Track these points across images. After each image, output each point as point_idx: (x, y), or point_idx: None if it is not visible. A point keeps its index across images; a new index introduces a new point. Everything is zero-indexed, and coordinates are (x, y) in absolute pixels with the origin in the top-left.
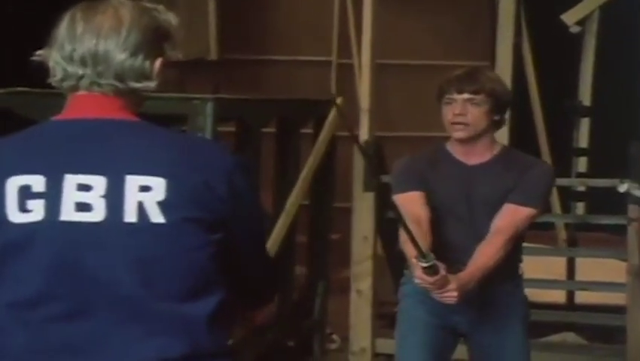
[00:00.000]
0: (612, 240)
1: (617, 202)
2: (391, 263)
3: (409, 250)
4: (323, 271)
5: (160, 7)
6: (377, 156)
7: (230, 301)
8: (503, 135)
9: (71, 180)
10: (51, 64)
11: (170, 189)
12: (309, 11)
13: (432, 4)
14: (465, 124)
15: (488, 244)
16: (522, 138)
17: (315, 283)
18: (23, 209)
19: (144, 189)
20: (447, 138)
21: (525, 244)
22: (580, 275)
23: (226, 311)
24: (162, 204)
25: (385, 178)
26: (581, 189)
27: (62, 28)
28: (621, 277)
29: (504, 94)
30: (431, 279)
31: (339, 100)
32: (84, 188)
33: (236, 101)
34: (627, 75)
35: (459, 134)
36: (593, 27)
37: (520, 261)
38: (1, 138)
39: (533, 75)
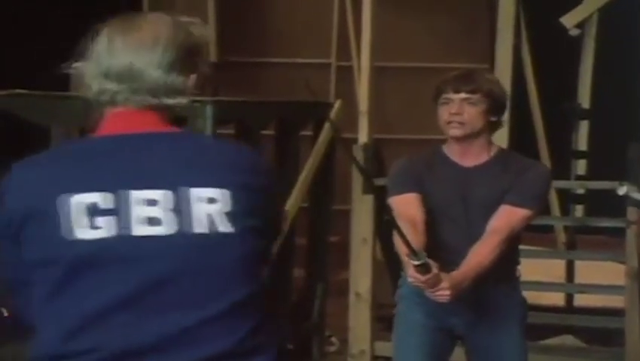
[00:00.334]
0: (611, 242)
1: (616, 205)
2: (389, 266)
3: (402, 249)
4: (322, 273)
5: (196, 21)
6: (376, 159)
7: (272, 315)
8: (502, 138)
9: (137, 196)
10: (87, 78)
11: (234, 199)
12: (309, 13)
13: (431, 7)
14: (461, 123)
15: (482, 244)
16: (522, 141)
17: (314, 286)
18: (92, 226)
19: (211, 200)
20: (445, 141)
21: (524, 247)
22: (579, 278)
23: (267, 325)
24: (229, 215)
25: (384, 181)
26: (580, 191)
27: (99, 43)
28: (620, 280)
29: (501, 95)
30: (422, 277)
31: (337, 103)
32: (151, 203)
33: (235, 103)
34: (626, 77)
35: (455, 132)
36: (592, 30)
37: (517, 263)
38: (41, 157)
39: (532, 77)
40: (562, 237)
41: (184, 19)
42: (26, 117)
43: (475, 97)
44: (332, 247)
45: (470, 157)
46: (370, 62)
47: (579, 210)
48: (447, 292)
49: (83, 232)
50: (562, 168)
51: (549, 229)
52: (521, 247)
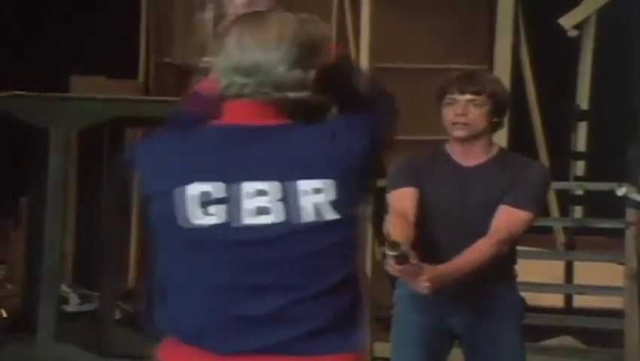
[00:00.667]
0: (610, 243)
1: (615, 206)
2: None
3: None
4: None
5: (317, 19)
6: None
7: (361, 296)
8: (501, 138)
9: (248, 187)
10: (217, 72)
11: (338, 187)
12: (306, 12)
13: (430, 7)
14: (465, 124)
15: (478, 244)
16: (520, 141)
17: None
18: (206, 213)
19: (316, 191)
20: (446, 141)
21: (523, 248)
22: (578, 279)
23: (359, 303)
24: (333, 203)
25: (383, 182)
26: (579, 192)
27: (230, 40)
28: (619, 281)
29: (504, 96)
30: (398, 267)
31: None
32: (261, 193)
33: None
34: (625, 79)
35: (459, 133)
36: (591, 31)
37: (514, 262)
38: (164, 141)
39: (531, 78)
40: (561, 238)
41: (306, 17)
42: (25, 119)
43: (480, 98)
44: None
45: (472, 157)
46: (369, 63)
47: (578, 211)
48: (426, 284)
49: (198, 217)
50: (560, 169)
51: (548, 230)
52: (520, 248)
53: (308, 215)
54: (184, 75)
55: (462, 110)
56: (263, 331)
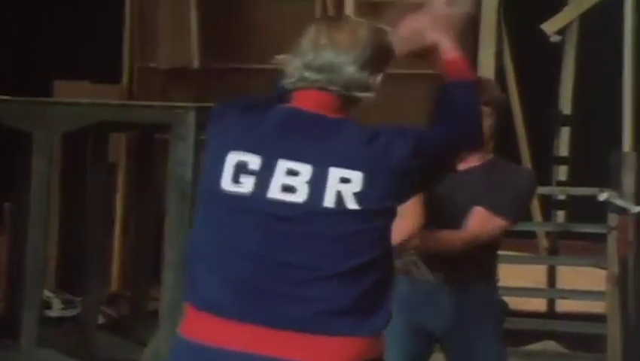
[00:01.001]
0: (593, 248)
1: (597, 211)
2: None
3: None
4: None
5: (385, 28)
6: None
7: (383, 282)
8: None
9: (282, 165)
10: (290, 68)
11: (366, 182)
12: (291, 19)
13: (412, 13)
14: None
15: (452, 233)
16: (504, 146)
17: None
18: (236, 181)
19: (344, 180)
20: None
21: (505, 252)
22: (561, 283)
23: (379, 290)
24: (357, 195)
25: None
26: (562, 197)
27: (306, 40)
28: (601, 286)
29: (505, 104)
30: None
31: None
32: (292, 173)
33: None
34: (607, 84)
35: None
36: (573, 36)
37: (495, 266)
38: (240, 105)
39: (514, 84)
40: (543, 242)
41: (377, 25)
42: (9, 123)
43: (488, 109)
44: None
45: (466, 163)
46: None
47: (560, 215)
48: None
49: (228, 184)
50: (543, 173)
51: (531, 235)
52: (503, 252)
53: (329, 201)
54: (168, 79)
55: None
56: (277, 305)
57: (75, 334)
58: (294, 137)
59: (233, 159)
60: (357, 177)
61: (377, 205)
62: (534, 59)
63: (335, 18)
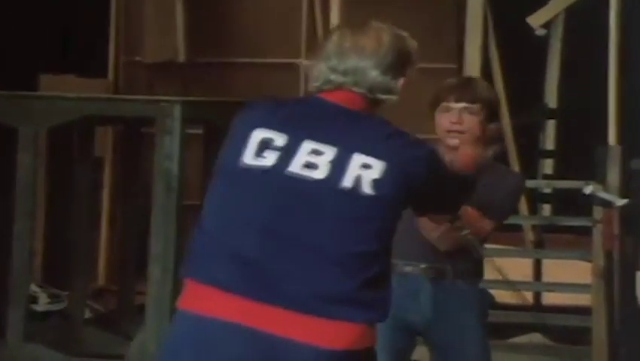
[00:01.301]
0: (578, 241)
1: (582, 204)
2: None
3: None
4: None
5: (406, 34)
6: None
7: (384, 275)
8: None
9: (308, 145)
10: (315, 72)
11: (385, 170)
12: (277, 13)
13: (398, 7)
14: (460, 132)
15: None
16: None
17: None
18: (259, 155)
19: (365, 166)
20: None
21: (492, 246)
22: (547, 276)
23: (380, 282)
24: (375, 182)
25: None
26: (548, 190)
27: (331, 44)
28: (587, 278)
29: (496, 103)
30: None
31: None
32: (317, 153)
33: (204, 103)
34: (593, 77)
35: (454, 141)
36: (559, 29)
37: (480, 259)
38: (272, 102)
39: (500, 77)
40: (529, 236)
41: (399, 31)
42: None
43: (475, 107)
44: None
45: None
46: None
47: (546, 209)
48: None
49: (249, 158)
50: (529, 167)
51: (517, 228)
52: (489, 245)
53: (348, 181)
54: (154, 74)
55: (457, 119)
56: (279, 282)
57: (62, 328)
58: (320, 122)
59: (258, 135)
60: (378, 165)
61: (391, 195)
62: (520, 53)
63: (359, 23)
